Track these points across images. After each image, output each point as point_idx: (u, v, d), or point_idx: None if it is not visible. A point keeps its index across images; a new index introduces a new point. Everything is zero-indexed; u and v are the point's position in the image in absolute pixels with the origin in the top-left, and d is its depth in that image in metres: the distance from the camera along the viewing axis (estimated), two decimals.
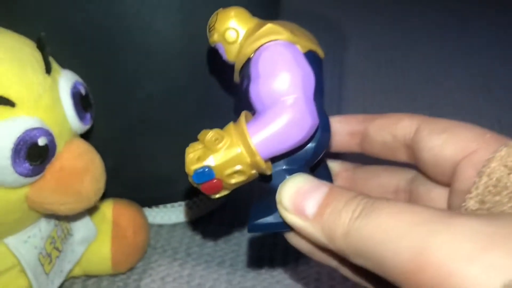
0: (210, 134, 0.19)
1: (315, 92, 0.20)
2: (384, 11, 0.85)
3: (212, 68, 0.34)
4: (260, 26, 0.21)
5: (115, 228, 0.34)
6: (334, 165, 0.27)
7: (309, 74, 0.20)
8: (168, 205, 0.41)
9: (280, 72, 0.19)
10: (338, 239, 0.18)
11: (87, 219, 0.33)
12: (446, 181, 0.22)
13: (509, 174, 0.18)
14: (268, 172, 0.20)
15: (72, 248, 0.32)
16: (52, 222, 0.30)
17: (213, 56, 0.34)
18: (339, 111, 0.56)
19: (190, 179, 0.19)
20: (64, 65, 0.29)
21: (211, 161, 0.19)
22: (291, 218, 0.19)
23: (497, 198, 0.18)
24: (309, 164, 0.21)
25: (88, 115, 0.29)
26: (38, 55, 0.27)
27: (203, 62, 0.34)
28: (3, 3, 0.29)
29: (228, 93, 0.36)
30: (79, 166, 0.27)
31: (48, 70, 0.26)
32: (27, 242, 0.28)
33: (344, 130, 0.25)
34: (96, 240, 0.34)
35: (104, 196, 0.31)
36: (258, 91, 0.19)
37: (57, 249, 0.30)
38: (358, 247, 0.17)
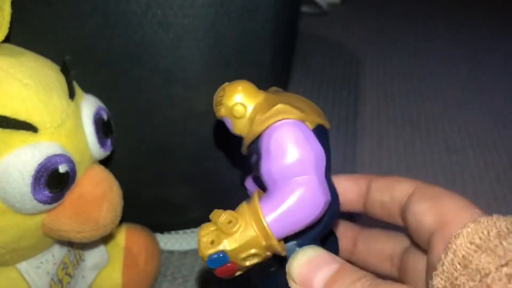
0: (223, 217, 0.18)
1: (325, 166, 0.20)
2: (399, 41, 0.85)
3: None
4: (268, 101, 0.21)
5: (126, 255, 0.34)
6: (342, 225, 0.27)
7: (320, 153, 0.20)
8: (180, 232, 0.40)
9: (293, 152, 0.19)
10: None
11: (100, 245, 0.32)
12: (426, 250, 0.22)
13: (475, 251, 0.17)
14: (283, 254, 0.19)
15: (83, 274, 0.31)
16: (65, 247, 0.29)
17: None
18: (355, 142, 0.56)
19: (204, 263, 0.19)
20: (84, 88, 0.29)
21: (226, 245, 0.18)
22: None
23: (464, 278, 0.17)
24: (320, 236, 0.21)
25: (108, 141, 0.29)
26: (62, 79, 0.26)
27: None
28: (29, 26, 0.29)
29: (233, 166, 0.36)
30: (98, 194, 0.26)
31: (71, 95, 0.26)
32: (40, 267, 0.28)
33: (353, 189, 0.25)
34: (108, 266, 0.33)
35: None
36: (270, 169, 0.19)
37: (68, 274, 0.30)
38: None
